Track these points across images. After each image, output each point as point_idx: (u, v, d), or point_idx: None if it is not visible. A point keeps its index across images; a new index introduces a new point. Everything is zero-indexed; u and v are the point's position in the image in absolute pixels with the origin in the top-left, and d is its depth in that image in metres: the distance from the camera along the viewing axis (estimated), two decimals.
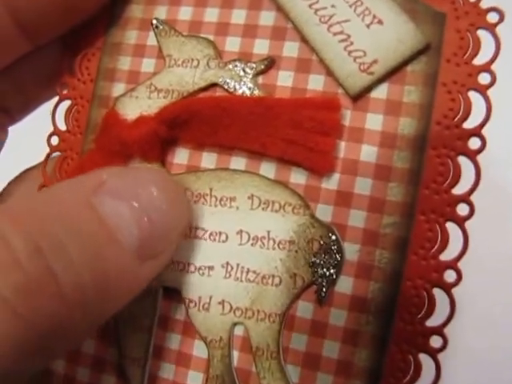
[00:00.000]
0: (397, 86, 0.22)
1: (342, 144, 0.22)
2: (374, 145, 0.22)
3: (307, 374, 0.22)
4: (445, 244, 0.21)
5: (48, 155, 0.26)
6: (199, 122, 0.23)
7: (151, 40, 0.25)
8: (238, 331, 0.22)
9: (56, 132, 0.26)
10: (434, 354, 0.21)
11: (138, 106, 0.24)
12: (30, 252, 0.17)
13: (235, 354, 0.22)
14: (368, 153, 0.22)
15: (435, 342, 0.21)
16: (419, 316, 0.21)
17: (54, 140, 0.26)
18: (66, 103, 0.26)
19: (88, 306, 0.18)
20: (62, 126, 0.26)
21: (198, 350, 0.23)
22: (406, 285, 0.21)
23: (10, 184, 0.28)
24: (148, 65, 0.25)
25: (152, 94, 0.24)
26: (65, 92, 0.26)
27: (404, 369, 0.21)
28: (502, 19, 0.21)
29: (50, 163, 0.26)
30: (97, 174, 0.20)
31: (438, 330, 0.21)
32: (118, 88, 0.25)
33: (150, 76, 0.25)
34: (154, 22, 0.25)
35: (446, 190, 0.21)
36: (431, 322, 0.21)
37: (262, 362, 0.22)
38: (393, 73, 0.22)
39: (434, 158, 0.21)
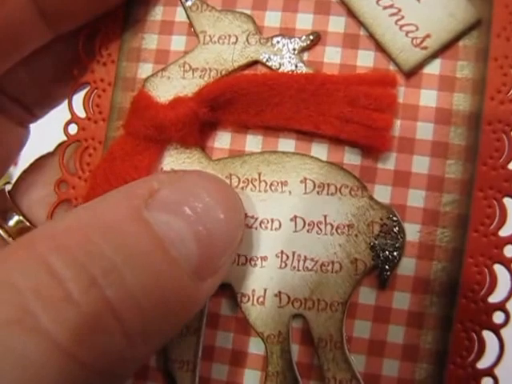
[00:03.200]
0: (450, 62, 0.23)
1: (398, 122, 0.23)
2: (429, 122, 0.23)
3: (373, 362, 0.23)
4: (503, 219, 0.23)
5: (65, 146, 0.26)
6: (244, 101, 0.24)
7: (180, 16, 0.25)
8: (296, 323, 0.23)
9: (74, 119, 0.26)
10: (497, 330, 0.23)
11: (171, 86, 0.25)
12: (83, 283, 0.16)
13: (294, 347, 0.23)
14: (424, 130, 0.23)
15: (498, 318, 0.23)
16: (481, 293, 0.23)
17: (73, 128, 0.26)
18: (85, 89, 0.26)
19: (148, 333, 0.18)
20: (81, 113, 0.26)
21: (254, 346, 0.24)
22: (468, 262, 0.23)
23: (24, 173, 0.28)
24: (178, 43, 0.25)
25: (186, 74, 0.25)
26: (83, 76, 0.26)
27: (469, 347, 0.23)
28: None
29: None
30: (147, 182, 0.20)
31: (501, 306, 0.23)
32: (145, 68, 0.26)
33: (181, 54, 0.25)
34: None
35: (503, 166, 0.23)
36: (493, 299, 0.23)
37: (326, 353, 0.23)
38: (445, 48, 0.23)
39: (490, 133, 0.23)
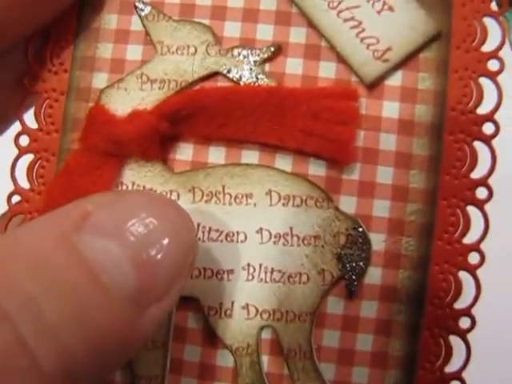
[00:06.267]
0: (411, 73, 0.26)
1: (361, 133, 0.26)
2: (392, 133, 0.26)
3: (343, 370, 0.26)
4: (467, 227, 0.26)
5: (16, 158, 0.27)
6: (206, 115, 0.26)
7: (135, 25, 0.27)
8: (266, 334, 0.26)
9: (25, 131, 0.27)
10: (463, 334, 0.26)
11: (128, 99, 0.27)
12: None
13: (265, 358, 0.26)
14: (387, 141, 0.26)
15: (464, 323, 0.26)
16: (447, 299, 0.26)
17: (24, 140, 0.27)
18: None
19: (79, 374, 0.18)
20: (32, 124, 0.27)
21: (222, 359, 0.26)
22: (434, 270, 0.26)
23: None
24: (134, 52, 0.27)
25: (144, 85, 0.26)
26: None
27: (437, 352, 0.26)
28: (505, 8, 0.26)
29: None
30: (79, 204, 0.20)
31: (467, 312, 0.26)
32: (100, 78, 0.27)
33: (138, 64, 0.27)
34: (138, 4, 0.27)
35: (465, 175, 0.26)
36: (459, 305, 0.26)
37: (295, 363, 0.25)
38: (406, 60, 0.26)
39: (452, 143, 0.26)
